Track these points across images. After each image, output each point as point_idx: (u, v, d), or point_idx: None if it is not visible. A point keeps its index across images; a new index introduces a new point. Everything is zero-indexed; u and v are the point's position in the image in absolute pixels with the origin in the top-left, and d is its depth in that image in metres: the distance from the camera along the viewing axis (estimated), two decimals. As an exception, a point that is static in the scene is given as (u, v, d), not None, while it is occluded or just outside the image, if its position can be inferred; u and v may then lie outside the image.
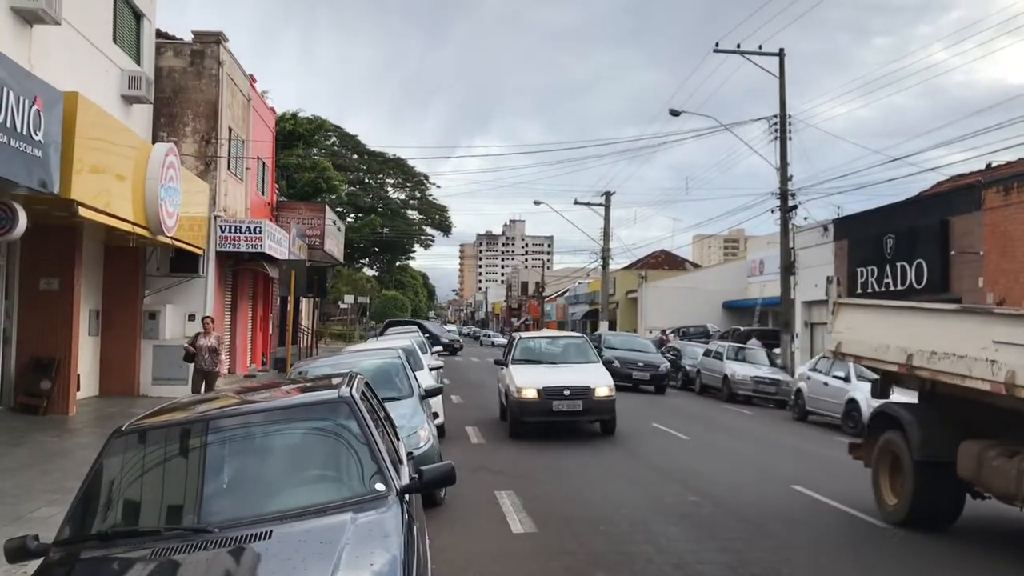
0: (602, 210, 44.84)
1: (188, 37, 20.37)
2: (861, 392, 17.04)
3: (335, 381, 5.20)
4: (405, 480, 4.43)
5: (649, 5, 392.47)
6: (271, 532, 3.68)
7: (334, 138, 59.27)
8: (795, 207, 26.35)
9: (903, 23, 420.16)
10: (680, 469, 11.91)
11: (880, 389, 9.97)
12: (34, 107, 9.92)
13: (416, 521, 4.29)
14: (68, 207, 11.38)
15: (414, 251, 77.95)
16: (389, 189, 67.44)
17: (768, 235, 34.97)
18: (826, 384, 18.65)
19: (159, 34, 19.46)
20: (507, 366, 15.47)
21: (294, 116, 42.85)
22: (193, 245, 17.65)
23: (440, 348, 29.00)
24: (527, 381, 14.31)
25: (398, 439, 5.87)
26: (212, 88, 19.98)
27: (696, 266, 66.01)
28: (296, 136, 42.06)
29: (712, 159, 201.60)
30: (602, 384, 14.47)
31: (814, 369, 19.71)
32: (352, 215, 60.08)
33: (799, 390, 20.11)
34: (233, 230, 20.17)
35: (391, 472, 4.21)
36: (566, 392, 14.06)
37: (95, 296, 17.24)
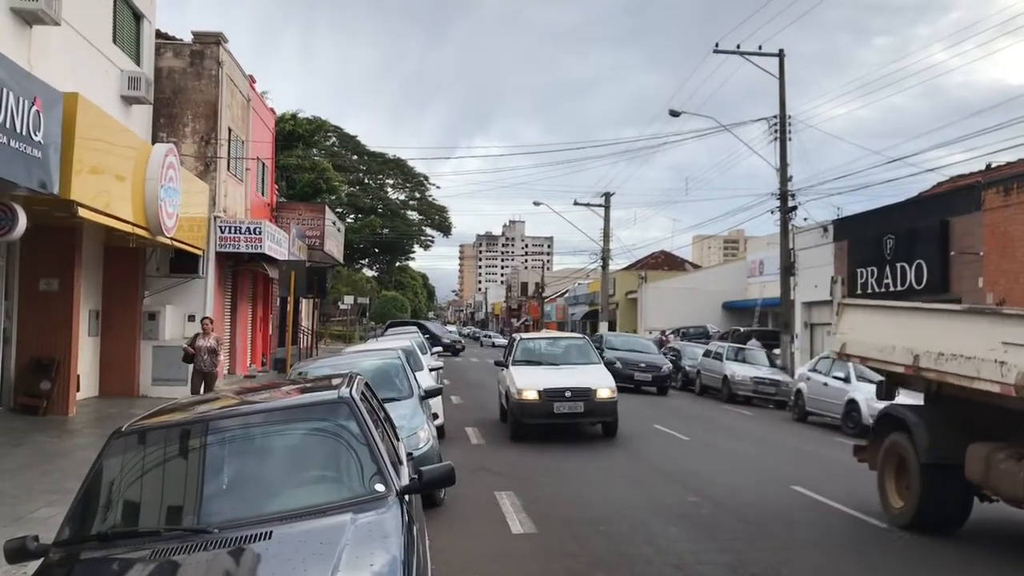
0: (602, 211, 44.86)
1: (188, 38, 20.38)
2: (861, 393, 17.07)
3: (335, 382, 5.20)
4: (405, 481, 4.43)
5: (649, 5, 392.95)
6: (271, 533, 3.68)
7: (334, 139, 59.28)
8: (795, 208, 26.37)
9: (903, 23, 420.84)
10: (680, 470, 11.91)
11: (885, 391, 9.83)
12: (34, 108, 9.92)
13: (416, 522, 4.28)
14: (68, 208, 11.38)
15: (414, 252, 77.98)
16: (389, 190, 67.43)
17: (768, 236, 34.98)
18: (826, 385, 18.65)
19: (159, 35, 19.47)
20: (507, 367, 15.34)
21: (294, 117, 42.88)
22: (193, 246, 17.66)
23: (440, 349, 28.96)
24: (528, 382, 14.17)
25: (398, 440, 5.87)
26: (212, 89, 19.98)
27: (696, 267, 66.04)
28: (296, 137, 42.09)
29: (712, 160, 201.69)
30: (604, 385, 14.32)
31: (814, 370, 19.71)
32: (352, 216, 60.08)
33: (799, 391, 20.11)
34: (233, 231, 20.17)
35: (391, 473, 4.21)
36: (567, 394, 13.91)
37: (95, 297, 17.24)
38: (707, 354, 26.78)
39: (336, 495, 4.06)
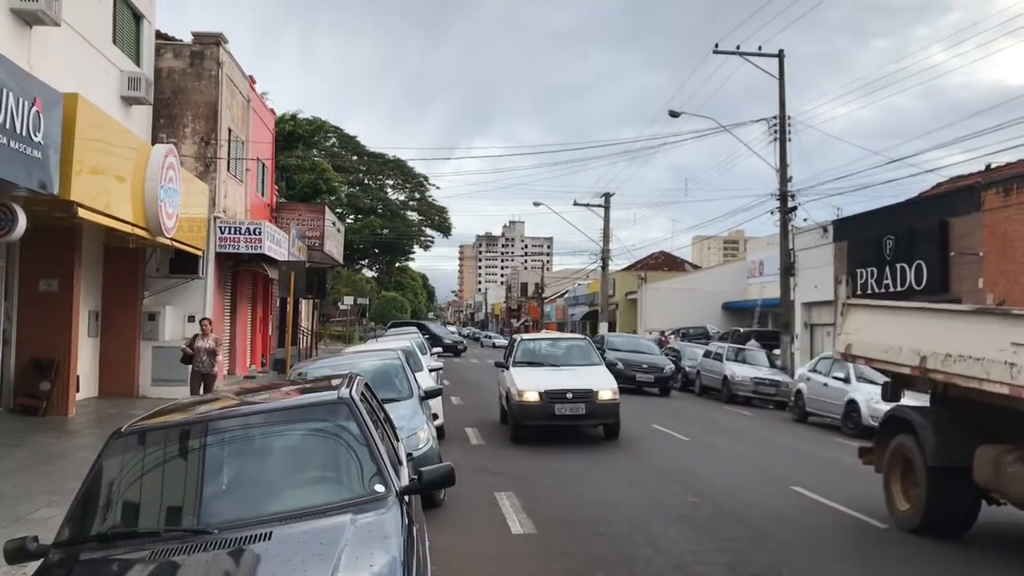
0: (601, 211, 44.88)
1: (188, 38, 20.38)
2: (861, 393, 17.08)
3: (335, 382, 5.20)
4: (405, 481, 4.43)
5: (649, 5, 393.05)
6: (271, 533, 3.68)
7: (334, 139, 59.32)
8: (795, 208, 26.37)
9: (902, 24, 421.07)
10: (680, 470, 11.91)
11: (891, 392, 9.68)
12: (33, 108, 9.93)
13: (416, 522, 4.28)
14: (68, 208, 11.38)
15: (414, 252, 78.06)
16: (389, 190, 67.48)
17: (768, 236, 35.00)
18: (826, 385, 18.65)
19: (159, 35, 19.47)
20: (508, 368, 15.23)
21: (294, 117, 42.91)
22: (192, 246, 17.66)
23: (440, 350, 28.93)
24: (529, 384, 14.05)
25: (398, 440, 5.87)
26: (212, 89, 19.99)
27: (696, 267, 66.06)
28: (296, 137, 42.11)
29: (712, 160, 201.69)
30: (605, 387, 14.17)
31: (814, 370, 19.71)
32: (352, 216, 60.11)
33: (799, 391, 20.11)
34: (233, 231, 20.18)
35: (391, 473, 4.20)
36: (569, 395, 13.78)
37: (94, 297, 17.25)
38: (707, 355, 26.78)
39: (336, 496, 4.06)
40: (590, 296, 61.15)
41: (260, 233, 20.42)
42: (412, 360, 12.99)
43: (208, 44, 20.11)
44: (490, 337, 79.27)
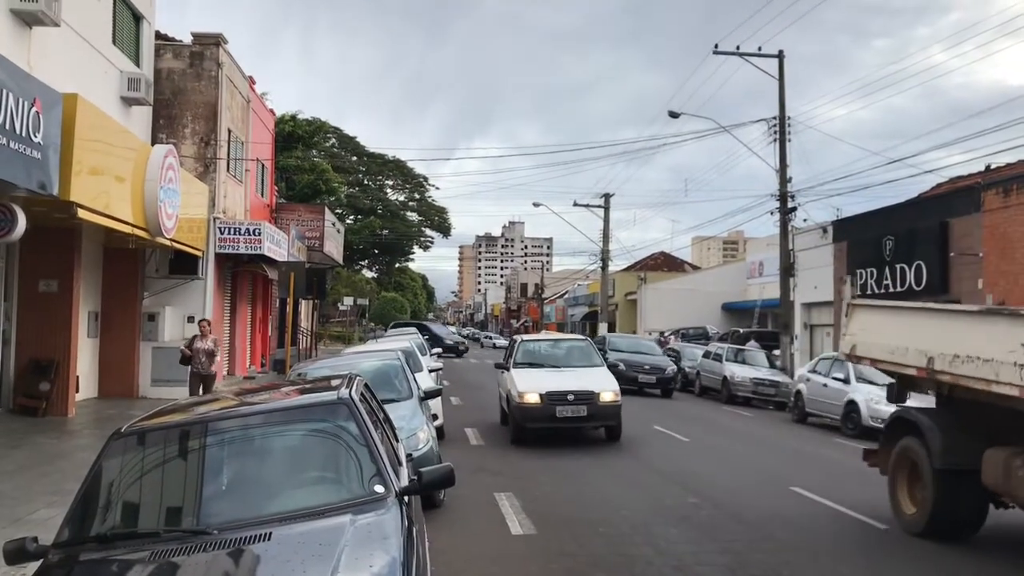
0: (601, 212, 44.88)
1: (187, 39, 20.38)
2: (860, 394, 17.08)
3: (334, 383, 5.20)
4: (404, 482, 4.43)
5: (649, 5, 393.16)
6: (270, 534, 3.68)
7: (333, 140, 59.28)
8: (794, 209, 26.38)
9: (902, 25, 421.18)
10: (680, 471, 11.91)
11: (896, 393, 9.53)
12: (33, 109, 9.92)
13: (415, 523, 4.28)
14: (67, 209, 11.38)
15: (413, 253, 77.95)
16: (388, 191, 67.42)
17: (767, 237, 35.02)
18: (825, 386, 18.65)
19: (158, 36, 19.47)
20: (508, 370, 15.05)
21: (293, 118, 42.91)
22: (192, 247, 17.65)
23: (440, 350, 28.89)
24: (529, 386, 13.90)
25: (397, 441, 5.87)
26: (211, 90, 19.98)
27: (695, 268, 66.08)
28: (295, 138, 42.11)
29: (711, 161, 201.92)
30: (607, 389, 14.01)
31: (813, 371, 19.71)
32: (351, 217, 60.08)
33: (799, 392, 20.10)
34: (232, 232, 20.17)
35: (390, 474, 4.20)
36: (570, 397, 13.64)
37: (94, 298, 17.24)
38: (707, 355, 26.77)
39: (335, 496, 4.06)
40: (590, 297, 61.16)
41: (260, 234, 20.41)
42: (411, 361, 12.98)
43: (208, 45, 20.11)
44: (490, 338, 79.17)
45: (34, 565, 3.95)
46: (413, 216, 68.97)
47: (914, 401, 9.89)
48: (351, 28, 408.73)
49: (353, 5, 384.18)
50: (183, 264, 18.52)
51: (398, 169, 64.34)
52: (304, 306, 32.87)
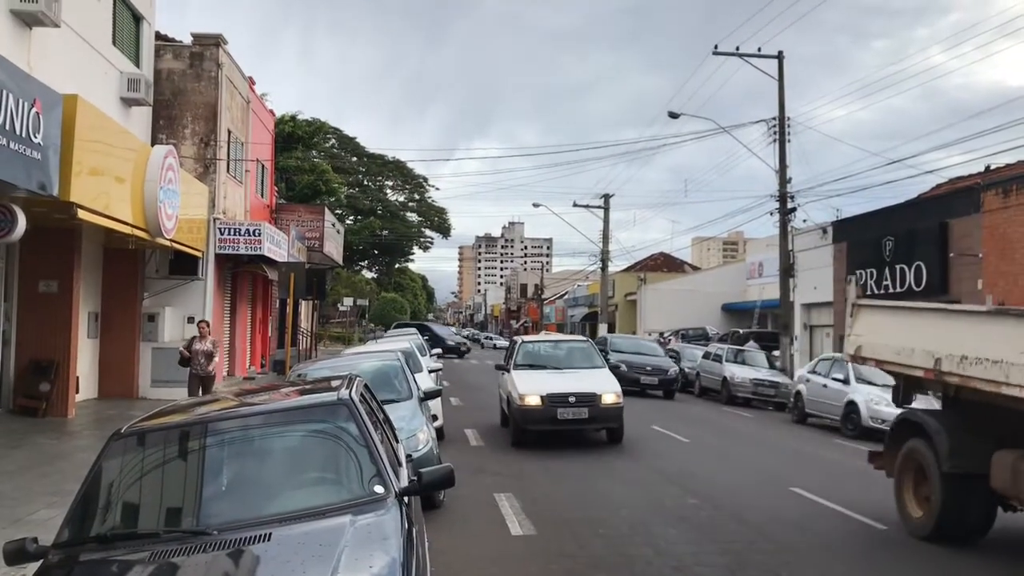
0: (601, 212, 44.90)
1: (187, 39, 20.38)
2: (860, 394, 17.08)
3: (334, 383, 5.20)
4: (404, 482, 4.43)
5: (649, 6, 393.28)
6: (270, 534, 3.68)
7: (333, 140, 59.25)
8: (794, 209, 26.38)
9: (901, 25, 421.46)
10: (680, 471, 11.91)
11: (902, 395, 9.41)
12: (33, 109, 9.93)
13: (415, 523, 4.29)
14: (67, 209, 11.38)
15: (413, 253, 77.85)
16: (388, 191, 67.36)
17: (767, 237, 35.03)
18: (825, 387, 18.65)
19: (158, 36, 19.48)
20: (509, 372, 14.90)
21: (293, 118, 42.91)
22: (192, 247, 17.66)
23: (440, 351, 28.85)
24: (530, 388, 13.76)
25: (397, 441, 5.87)
26: (211, 90, 19.99)
27: (695, 268, 66.10)
28: (295, 138, 42.12)
29: (711, 161, 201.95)
30: (609, 390, 13.87)
31: (813, 371, 19.71)
32: (351, 217, 60.05)
33: (798, 392, 20.10)
34: (232, 232, 20.17)
35: (390, 474, 4.21)
36: (571, 399, 13.51)
37: (94, 298, 17.24)
38: (706, 356, 26.76)
39: (335, 497, 4.07)
40: (589, 297, 61.15)
41: (260, 234, 20.41)
42: (411, 361, 12.98)
43: (208, 45, 20.12)
44: (490, 338, 79.13)
45: (34, 566, 3.95)
46: (413, 217, 68.93)
47: (918, 403, 9.78)
48: (351, 28, 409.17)
49: (353, 5, 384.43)
50: (183, 265, 18.52)
51: (398, 170, 64.31)
52: (304, 307, 32.87)
